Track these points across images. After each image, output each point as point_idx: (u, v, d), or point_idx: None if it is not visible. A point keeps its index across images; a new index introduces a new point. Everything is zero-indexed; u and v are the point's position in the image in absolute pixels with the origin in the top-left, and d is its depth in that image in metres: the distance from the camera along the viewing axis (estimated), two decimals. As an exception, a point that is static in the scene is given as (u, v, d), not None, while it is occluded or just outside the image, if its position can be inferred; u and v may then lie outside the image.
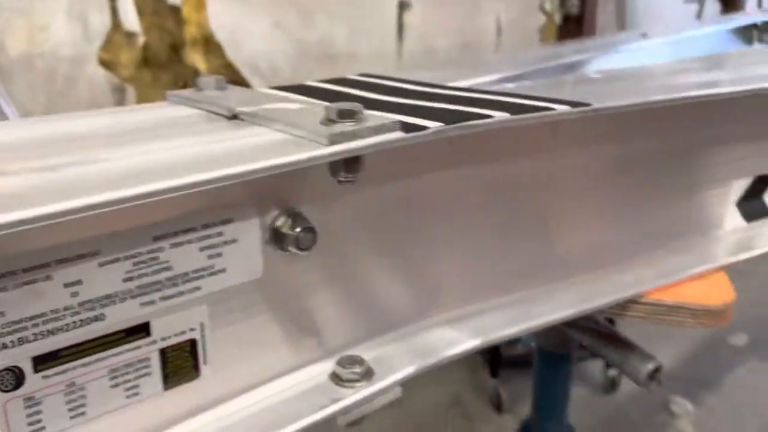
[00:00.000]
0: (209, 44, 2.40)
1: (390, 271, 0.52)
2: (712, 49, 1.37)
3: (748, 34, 1.58)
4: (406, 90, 0.59)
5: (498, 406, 1.86)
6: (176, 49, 2.36)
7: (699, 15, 4.11)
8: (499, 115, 0.47)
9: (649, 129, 0.61)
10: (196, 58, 2.38)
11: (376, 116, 0.44)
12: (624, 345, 0.74)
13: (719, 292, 0.62)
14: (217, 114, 0.49)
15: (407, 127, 0.44)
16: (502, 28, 3.60)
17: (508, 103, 0.51)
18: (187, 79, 2.34)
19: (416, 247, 0.53)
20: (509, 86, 0.67)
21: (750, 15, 1.62)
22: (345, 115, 0.42)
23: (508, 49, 3.67)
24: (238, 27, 2.43)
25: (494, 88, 0.66)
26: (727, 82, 0.68)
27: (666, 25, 4.18)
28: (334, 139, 0.40)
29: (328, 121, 0.42)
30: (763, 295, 2.44)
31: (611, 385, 1.95)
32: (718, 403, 1.98)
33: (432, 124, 0.45)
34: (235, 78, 2.43)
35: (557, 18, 3.86)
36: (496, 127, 0.46)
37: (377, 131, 0.42)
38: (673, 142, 0.64)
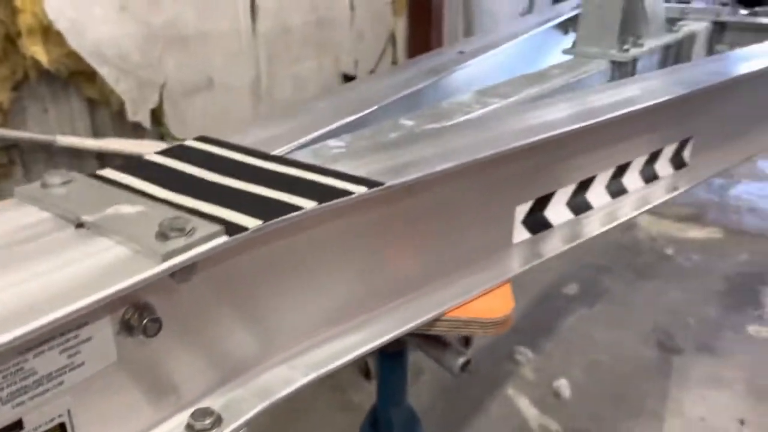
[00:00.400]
0: (48, 33, 2.28)
1: (232, 329, 0.63)
2: (533, 53, 1.58)
3: (564, 25, 1.81)
4: (236, 165, 0.69)
5: (366, 374, 2.05)
6: (11, 40, 2.22)
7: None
8: (309, 205, 0.59)
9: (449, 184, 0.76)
10: (34, 50, 2.25)
11: (204, 226, 0.54)
12: (442, 344, 0.90)
13: (502, 305, 0.80)
14: (64, 219, 0.57)
15: (231, 229, 0.54)
16: (355, 4, 3.69)
17: (321, 186, 0.63)
18: (28, 71, 2.22)
19: (252, 306, 0.64)
20: (337, 148, 0.79)
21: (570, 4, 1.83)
22: (177, 229, 0.51)
23: (362, 23, 3.77)
24: (80, 13, 2.32)
25: (321, 151, 0.77)
26: (510, 135, 0.84)
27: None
28: (167, 257, 0.50)
29: (162, 236, 0.51)
30: (591, 250, 2.82)
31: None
32: (554, 348, 2.31)
33: (252, 222, 0.56)
34: (82, 67, 2.33)
35: (407, -8, 4.01)
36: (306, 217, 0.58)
37: (206, 240, 0.52)
38: (468, 186, 0.79)
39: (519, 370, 2.20)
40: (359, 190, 0.62)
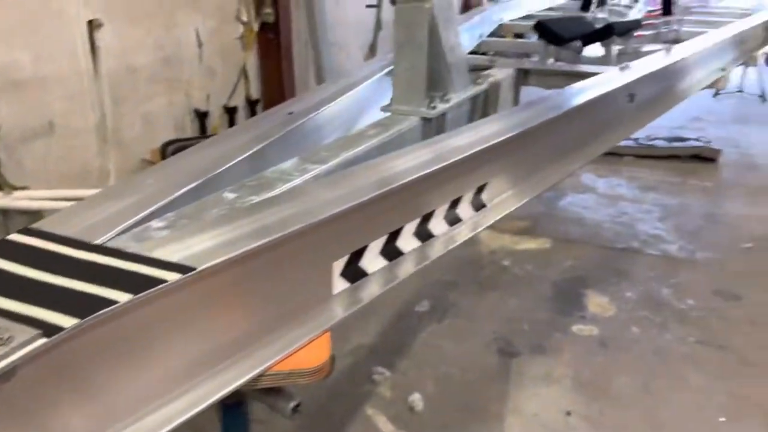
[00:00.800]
0: None
1: (64, 410, 0.70)
2: (366, 104, 1.74)
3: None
4: (57, 259, 0.76)
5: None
6: None
7: (378, 25, 4.73)
8: (124, 298, 0.68)
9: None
10: None
11: (22, 331, 0.61)
12: (274, 391, 1.01)
13: (319, 354, 0.92)
14: None
15: (49, 331, 0.62)
16: (202, 40, 3.71)
17: (137, 276, 0.72)
18: None
19: (81, 385, 0.71)
20: (158, 230, 0.87)
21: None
22: (-5, 339, 0.58)
23: (211, 59, 3.80)
24: None
25: (143, 234, 0.85)
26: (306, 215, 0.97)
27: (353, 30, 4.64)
28: (-15, 367, 0.56)
29: (-19, 347, 0.58)
30: (440, 267, 3.07)
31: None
32: (408, 365, 2.49)
33: (69, 321, 0.63)
34: None
35: (255, 26, 4.11)
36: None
37: (23, 345, 0.59)
38: (282, 254, 0.91)
39: (377, 389, 2.35)
40: (172, 277, 0.72)
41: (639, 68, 2.14)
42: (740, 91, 6.28)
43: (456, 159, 1.24)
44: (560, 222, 3.68)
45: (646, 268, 3.12)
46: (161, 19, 3.41)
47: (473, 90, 1.79)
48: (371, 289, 1.12)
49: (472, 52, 4.06)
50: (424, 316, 2.80)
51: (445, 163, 1.21)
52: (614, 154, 4.51)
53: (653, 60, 2.35)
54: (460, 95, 1.69)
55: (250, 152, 1.25)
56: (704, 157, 4.41)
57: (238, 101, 4.08)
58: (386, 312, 2.81)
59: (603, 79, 2.05)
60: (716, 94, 6.26)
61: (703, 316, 2.72)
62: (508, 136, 1.43)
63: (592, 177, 4.25)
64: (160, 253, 0.79)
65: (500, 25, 4.98)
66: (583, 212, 3.79)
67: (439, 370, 2.45)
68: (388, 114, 1.53)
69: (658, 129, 4.95)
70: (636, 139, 4.59)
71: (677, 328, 2.64)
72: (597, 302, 2.85)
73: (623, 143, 4.53)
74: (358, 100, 1.69)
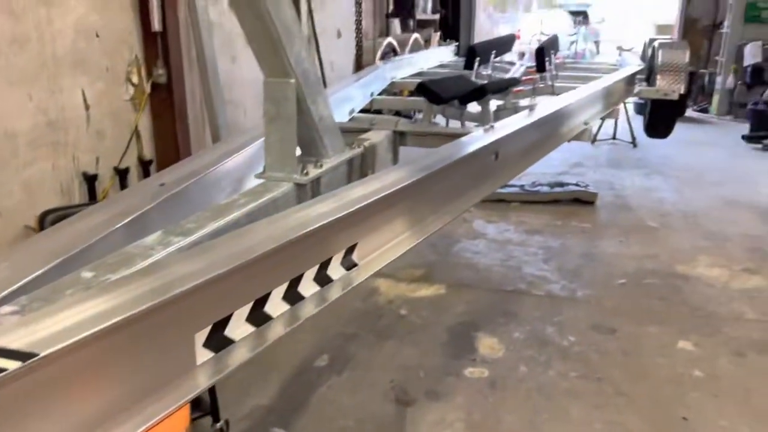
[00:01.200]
0: None
1: None
2: (240, 172, 1.79)
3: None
4: None
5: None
6: None
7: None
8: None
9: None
10: None
11: None
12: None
13: (176, 425, 0.95)
14: None
15: None
16: (90, 103, 3.66)
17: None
18: None
19: None
20: (9, 315, 0.88)
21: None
22: None
23: (100, 121, 3.74)
24: None
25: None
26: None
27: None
28: None
29: None
30: (339, 319, 3.12)
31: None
32: (306, 422, 2.50)
33: None
34: None
35: (147, 88, 4.10)
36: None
37: None
38: (134, 333, 0.94)
39: (274, 451, 2.34)
40: (12, 365, 0.74)
41: (502, 128, 2.35)
42: (614, 139, 6.88)
43: (319, 225, 1.32)
44: (454, 268, 3.85)
45: (532, 308, 3.32)
46: (44, 83, 3.34)
47: (349, 154, 1.90)
48: (239, 355, 1.15)
49: (363, 110, 4.25)
50: (323, 371, 2.82)
51: (309, 229, 1.29)
52: (503, 201, 4.80)
53: (517, 119, 2.57)
54: (334, 160, 1.79)
55: (117, 226, 1.27)
56: (583, 200, 4.78)
57: (131, 162, 4.01)
58: (286, 368, 2.81)
59: (470, 139, 2.22)
60: (593, 141, 6.83)
61: (582, 351, 2.92)
62: (374, 199, 1.53)
63: (483, 223, 4.49)
64: (6, 340, 0.81)
65: (392, 83, 5.25)
66: (474, 257, 3.99)
67: (337, 425, 2.47)
68: (261, 181, 1.60)
69: (542, 175, 5.32)
70: (522, 186, 4.91)
71: (560, 364, 2.81)
72: (487, 344, 2.99)
73: (510, 190, 4.83)
74: (235, 167, 1.75)
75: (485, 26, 12.77)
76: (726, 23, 8.87)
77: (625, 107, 6.84)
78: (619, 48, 6.15)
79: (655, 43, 5.08)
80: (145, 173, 4.10)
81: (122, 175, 3.87)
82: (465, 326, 3.17)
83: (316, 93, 1.65)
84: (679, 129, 7.66)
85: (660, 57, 4.92)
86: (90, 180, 3.63)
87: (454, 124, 3.89)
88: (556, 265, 3.83)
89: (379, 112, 4.66)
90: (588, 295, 3.45)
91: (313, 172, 1.67)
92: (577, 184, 4.93)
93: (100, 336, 0.86)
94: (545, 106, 3.16)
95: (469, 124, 3.69)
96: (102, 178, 3.76)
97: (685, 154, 6.59)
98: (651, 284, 3.56)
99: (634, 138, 6.71)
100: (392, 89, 5.18)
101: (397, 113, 5.03)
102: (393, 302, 3.41)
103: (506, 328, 3.13)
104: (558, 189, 4.85)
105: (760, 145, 6.74)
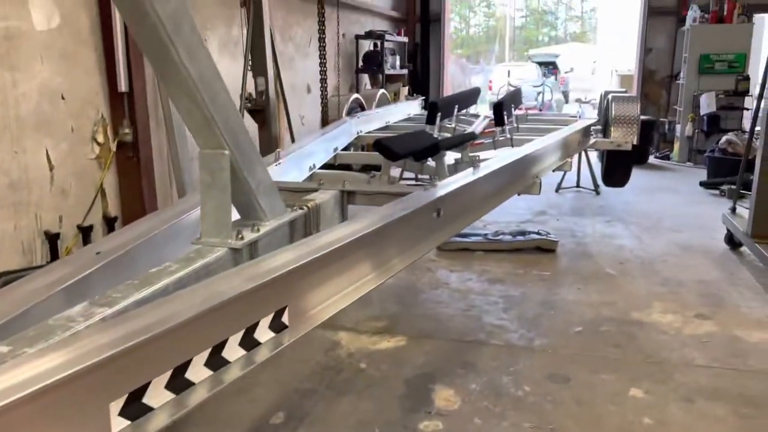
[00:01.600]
0: None
1: None
2: (185, 235, 1.85)
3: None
4: None
5: None
6: None
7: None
8: None
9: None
10: None
11: None
12: None
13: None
14: None
15: None
16: (54, 163, 3.72)
17: None
18: None
19: None
20: None
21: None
22: None
23: (64, 180, 3.80)
24: None
25: None
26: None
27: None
28: None
29: None
30: (297, 375, 3.13)
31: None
32: (259, 482, 2.49)
33: None
34: None
35: (113, 146, 4.18)
36: None
37: None
38: (40, 405, 0.98)
39: None
40: None
41: (444, 186, 2.45)
42: (578, 187, 7.06)
43: (244, 290, 1.38)
44: (415, 319, 3.89)
45: (490, 359, 3.36)
46: (6, 145, 3.41)
47: (289, 216, 1.97)
48: (158, 421, 1.20)
49: (327, 165, 4.36)
50: (279, 428, 2.82)
51: (232, 295, 1.35)
52: (467, 250, 4.88)
53: (461, 176, 2.68)
54: (272, 223, 1.86)
55: (47, 296, 1.32)
56: (544, 248, 4.88)
57: (95, 220, 4.06)
58: (240, 426, 2.81)
59: (413, 197, 2.32)
60: (558, 189, 7.00)
61: (537, 401, 2.95)
62: (307, 260, 1.60)
63: (446, 272, 4.56)
64: None
65: (359, 137, 5.40)
66: (436, 307, 4.04)
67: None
68: (197, 247, 1.66)
69: (506, 224, 5.44)
70: (485, 235, 5.01)
71: (514, 415, 2.84)
72: (444, 396, 3.02)
73: (474, 239, 4.93)
74: (174, 233, 1.81)
75: (457, 78, 13.19)
76: (682, 74, 9.25)
77: (587, 156, 7.05)
78: (579, 100, 6.40)
79: (609, 96, 5.31)
80: (110, 230, 4.14)
81: (85, 232, 3.91)
82: (423, 378, 3.19)
83: (251, 161, 1.74)
84: (642, 175, 7.90)
85: (613, 109, 5.13)
86: (52, 239, 3.66)
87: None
88: (515, 314, 3.89)
89: (347, 166, 4.78)
90: (545, 344, 3.51)
91: (249, 236, 1.74)
92: (538, 233, 5.04)
93: (5, 410, 0.91)
94: (496, 160, 3.28)
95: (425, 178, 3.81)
96: (65, 237, 3.80)
97: (645, 200, 6.77)
98: (607, 332, 3.63)
99: (596, 186, 6.89)
100: (359, 143, 5.32)
101: (365, 167, 5.15)
102: (353, 355, 3.43)
103: (463, 379, 3.16)
104: (520, 238, 4.96)
105: (717, 191, 6.96)
